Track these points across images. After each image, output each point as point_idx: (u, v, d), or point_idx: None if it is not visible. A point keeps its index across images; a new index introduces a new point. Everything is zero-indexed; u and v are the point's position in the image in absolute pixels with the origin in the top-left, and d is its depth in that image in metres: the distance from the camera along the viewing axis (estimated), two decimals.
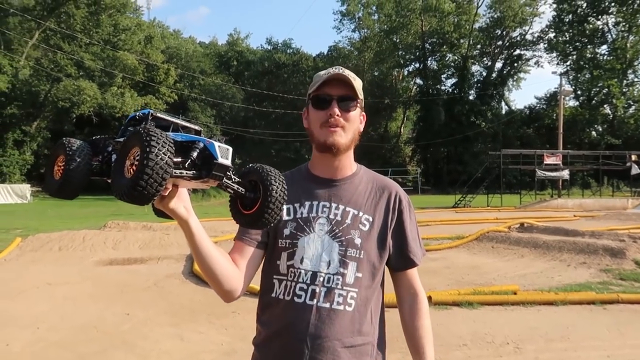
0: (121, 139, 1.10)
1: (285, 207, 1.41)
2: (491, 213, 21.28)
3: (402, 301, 1.51)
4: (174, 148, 0.95)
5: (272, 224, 1.17)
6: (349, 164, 1.50)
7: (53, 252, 9.74)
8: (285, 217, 1.44)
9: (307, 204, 1.45)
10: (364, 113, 1.49)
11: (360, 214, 1.44)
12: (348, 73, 1.41)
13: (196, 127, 1.15)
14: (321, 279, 1.36)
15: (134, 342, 4.61)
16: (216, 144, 1.04)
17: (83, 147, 1.10)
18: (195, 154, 1.04)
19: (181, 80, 54.36)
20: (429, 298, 5.79)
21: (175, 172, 0.97)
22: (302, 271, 1.37)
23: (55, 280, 7.31)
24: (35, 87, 38.33)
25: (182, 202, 1.16)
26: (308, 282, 1.36)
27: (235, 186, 1.13)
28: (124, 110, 40.42)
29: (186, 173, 1.02)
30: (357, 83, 1.41)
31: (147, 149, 0.90)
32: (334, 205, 1.43)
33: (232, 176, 1.12)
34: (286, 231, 1.42)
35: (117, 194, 0.96)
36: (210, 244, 1.28)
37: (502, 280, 7.38)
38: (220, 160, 1.04)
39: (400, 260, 1.48)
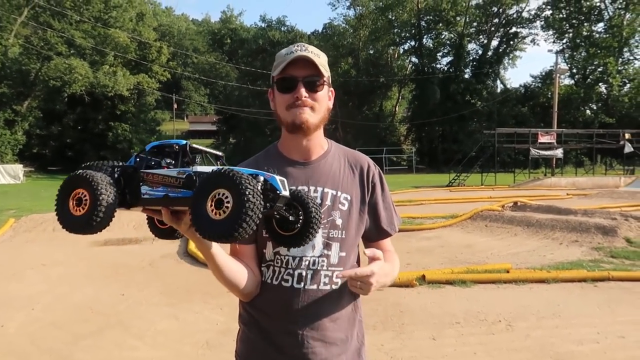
0: (154, 171, 1.09)
1: None
2: (485, 192, 21.34)
3: None
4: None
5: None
6: (320, 143, 1.50)
7: (47, 232, 9.72)
8: None
9: None
10: (332, 89, 1.47)
11: (339, 193, 1.45)
12: (312, 50, 1.37)
13: (218, 153, 1.20)
14: (306, 262, 1.39)
15: (129, 322, 4.64)
16: (277, 177, 1.09)
17: (106, 180, 1.07)
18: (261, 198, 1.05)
19: (174, 59, 53.66)
20: (423, 277, 5.84)
21: None
22: (290, 257, 1.39)
23: (49, 261, 7.31)
24: (25, 65, 37.71)
25: None
26: (294, 267, 1.39)
27: (284, 212, 1.18)
28: (116, 89, 39.93)
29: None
30: (322, 60, 1.39)
31: (246, 194, 0.95)
32: (312, 188, 1.44)
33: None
34: None
35: (209, 235, 0.98)
36: (227, 259, 1.32)
37: (495, 258, 7.45)
38: (283, 192, 1.09)
39: (375, 232, 1.53)
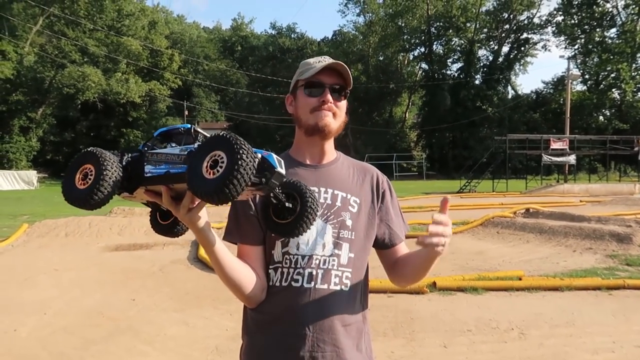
0: (158, 151, 1.14)
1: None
2: (496, 198, 21.16)
3: (396, 267, 1.53)
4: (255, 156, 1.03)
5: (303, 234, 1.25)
6: (331, 150, 1.55)
7: (59, 238, 9.82)
8: None
9: None
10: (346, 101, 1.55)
11: (348, 196, 1.48)
12: (341, 63, 1.45)
13: None
14: (317, 261, 1.39)
15: (139, 328, 4.65)
16: (274, 155, 1.11)
17: (114, 160, 1.11)
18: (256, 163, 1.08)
19: (185, 66, 54.21)
20: (434, 284, 5.79)
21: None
22: (299, 257, 1.39)
23: (61, 266, 7.37)
24: (40, 73, 38.38)
25: (204, 214, 1.20)
26: (304, 265, 1.39)
27: (282, 196, 1.19)
28: (128, 96, 40.46)
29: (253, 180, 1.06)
30: (348, 73, 1.47)
31: (240, 152, 0.99)
32: (322, 189, 1.46)
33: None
34: None
35: (200, 192, 1.01)
36: (230, 256, 1.32)
37: (507, 265, 7.36)
38: (279, 169, 1.11)
39: (388, 237, 1.53)
